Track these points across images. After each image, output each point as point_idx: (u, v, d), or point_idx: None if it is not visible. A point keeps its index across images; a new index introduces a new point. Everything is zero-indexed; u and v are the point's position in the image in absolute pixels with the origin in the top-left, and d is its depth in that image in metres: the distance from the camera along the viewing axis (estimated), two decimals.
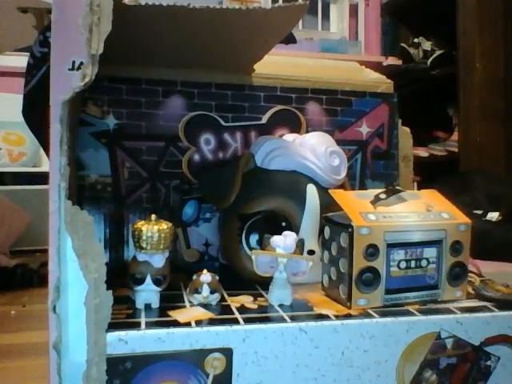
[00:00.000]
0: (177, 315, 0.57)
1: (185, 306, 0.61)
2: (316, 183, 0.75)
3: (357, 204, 0.65)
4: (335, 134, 0.90)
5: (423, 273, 0.64)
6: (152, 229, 0.58)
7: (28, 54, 0.74)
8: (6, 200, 2.00)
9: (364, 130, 0.93)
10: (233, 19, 0.65)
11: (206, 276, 0.61)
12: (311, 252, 0.71)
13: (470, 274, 0.73)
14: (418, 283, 0.64)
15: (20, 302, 1.56)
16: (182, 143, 0.83)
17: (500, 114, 2.08)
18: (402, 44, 2.58)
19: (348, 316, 0.59)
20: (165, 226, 0.59)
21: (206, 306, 0.60)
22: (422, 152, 2.27)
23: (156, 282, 0.58)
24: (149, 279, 0.58)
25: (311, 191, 0.74)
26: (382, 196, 0.66)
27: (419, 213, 0.65)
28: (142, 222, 0.59)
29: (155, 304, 0.59)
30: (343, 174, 0.79)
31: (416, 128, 1.04)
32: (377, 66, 2.27)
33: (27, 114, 0.77)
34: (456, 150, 2.15)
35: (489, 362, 0.61)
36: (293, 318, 0.57)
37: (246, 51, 0.79)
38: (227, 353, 0.53)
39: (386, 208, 0.65)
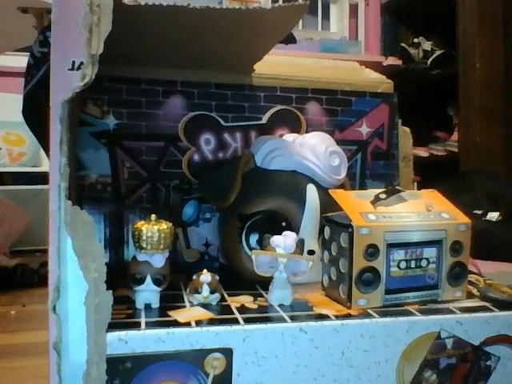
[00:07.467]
0: (177, 315, 0.57)
1: (185, 306, 0.60)
2: (316, 183, 0.75)
3: (357, 204, 0.65)
4: (335, 133, 0.90)
5: (423, 273, 0.64)
6: (152, 229, 0.58)
7: (28, 54, 0.74)
8: (6, 200, 2.00)
9: (364, 129, 0.93)
10: (233, 19, 0.65)
11: (205, 276, 0.61)
12: (311, 252, 0.71)
13: (472, 276, 0.74)
14: (418, 283, 0.64)
15: (20, 301, 1.56)
16: (182, 143, 0.83)
17: (500, 114, 2.08)
18: (402, 44, 2.58)
19: (348, 316, 0.59)
20: (165, 225, 0.59)
21: (205, 305, 0.60)
22: (422, 152, 2.27)
23: (156, 282, 0.58)
24: (149, 279, 0.58)
25: (311, 191, 0.74)
26: (382, 196, 0.66)
27: (419, 213, 0.65)
28: (142, 222, 0.59)
29: (155, 304, 0.59)
30: (343, 174, 0.79)
31: (416, 128, 1.04)
32: (377, 66, 2.27)
33: (27, 114, 0.77)
34: (456, 149, 2.15)
35: (489, 362, 0.61)
36: (293, 318, 0.57)
37: (245, 51, 0.79)
38: (227, 353, 0.53)
39: (386, 208, 0.65)
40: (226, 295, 0.65)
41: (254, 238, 0.73)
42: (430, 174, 1.55)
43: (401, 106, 0.95)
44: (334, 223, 0.65)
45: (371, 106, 0.93)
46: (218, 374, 0.53)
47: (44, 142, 0.66)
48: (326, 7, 2.95)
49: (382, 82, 0.95)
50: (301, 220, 0.72)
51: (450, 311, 0.61)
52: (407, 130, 0.99)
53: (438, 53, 2.38)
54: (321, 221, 0.71)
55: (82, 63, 0.51)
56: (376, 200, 0.66)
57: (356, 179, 0.92)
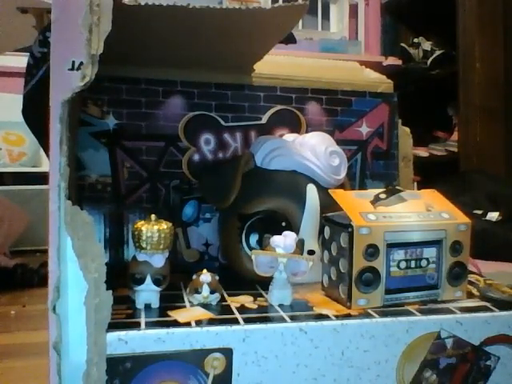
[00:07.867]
0: (177, 315, 0.57)
1: (185, 306, 0.61)
2: (316, 183, 0.75)
3: (357, 204, 0.65)
4: (335, 134, 0.90)
5: (423, 273, 0.64)
6: (152, 229, 0.58)
7: (28, 54, 0.74)
8: (6, 200, 2.00)
9: (364, 129, 0.93)
10: (232, 19, 0.65)
11: (205, 276, 0.61)
12: (311, 252, 0.71)
13: (472, 275, 0.74)
14: (417, 283, 0.64)
15: (20, 301, 1.56)
16: (182, 143, 0.83)
17: (500, 113, 2.08)
18: (402, 44, 2.58)
19: (348, 316, 0.59)
20: (165, 225, 0.59)
21: (205, 305, 0.60)
22: (422, 152, 2.27)
23: (156, 282, 0.58)
24: (149, 279, 0.58)
25: (311, 191, 0.74)
26: (382, 196, 0.66)
27: (419, 213, 0.65)
28: (142, 222, 0.59)
29: (155, 304, 0.59)
30: (343, 174, 0.79)
31: (416, 128, 1.04)
32: (377, 66, 2.27)
33: (27, 113, 0.77)
34: (456, 149, 2.14)
35: (489, 362, 0.61)
36: (293, 318, 0.57)
37: (245, 51, 0.79)
38: (227, 353, 0.53)
39: (386, 208, 0.65)
40: (226, 295, 0.65)
41: (254, 238, 0.73)
42: (429, 174, 1.55)
43: (401, 106, 0.95)
44: (334, 223, 0.65)
45: (371, 106, 0.93)
46: (217, 374, 0.53)
47: (44, 142, 0.66)
48: (325, 7, 2.95)
49: (381, 82, 0.95)
50: (301, 220, 0.72)
51: (450, 311, 0.61)
52: (407, 130, 0.99)
53: (437, 53, 2.37)
54: (321, 221, 0.71)
55: (81, 63, 0.51)
56: (376, 200, 0.66)
57: (356, 179, 0.92)
